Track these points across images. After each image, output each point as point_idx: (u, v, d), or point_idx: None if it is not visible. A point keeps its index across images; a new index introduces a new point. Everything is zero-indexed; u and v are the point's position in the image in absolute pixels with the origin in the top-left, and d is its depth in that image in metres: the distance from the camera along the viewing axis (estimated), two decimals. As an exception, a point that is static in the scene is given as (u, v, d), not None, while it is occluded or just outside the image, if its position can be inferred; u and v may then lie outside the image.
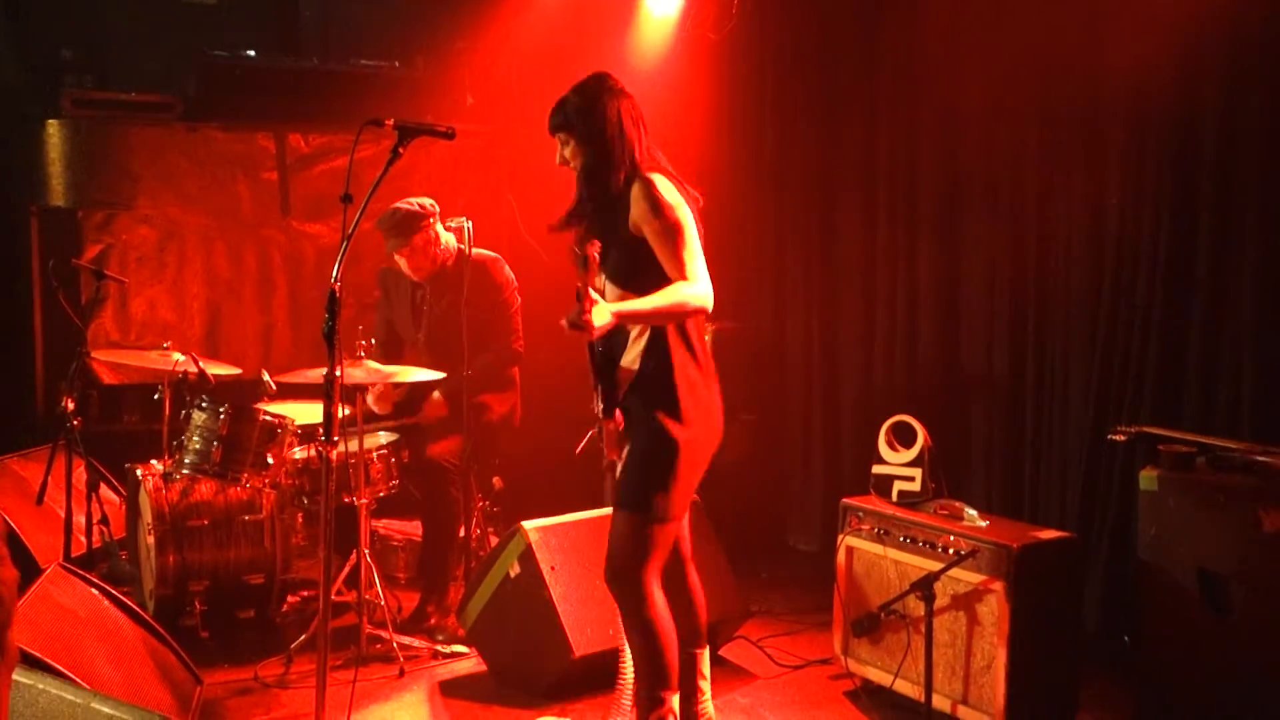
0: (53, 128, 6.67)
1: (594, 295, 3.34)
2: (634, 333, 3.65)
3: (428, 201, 5.36)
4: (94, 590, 4.01)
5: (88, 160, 6.74)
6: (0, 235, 6.62)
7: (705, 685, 3.91)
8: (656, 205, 3.52)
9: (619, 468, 3.74)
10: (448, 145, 7.27)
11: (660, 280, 3.51)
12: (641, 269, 3.56)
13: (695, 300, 3.49)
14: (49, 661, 3.21)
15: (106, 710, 2.78)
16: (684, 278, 3.50)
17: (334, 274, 3.49)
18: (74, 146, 6.72)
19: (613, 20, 6.81)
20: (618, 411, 3.64)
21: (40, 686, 2.90)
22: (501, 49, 7.27)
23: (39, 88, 6.79)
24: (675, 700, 3.71)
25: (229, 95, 6.94)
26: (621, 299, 3.56)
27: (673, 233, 3.52)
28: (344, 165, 7.08)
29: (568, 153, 3.71)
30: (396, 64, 7.32)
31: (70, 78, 6.85)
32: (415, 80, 7.34)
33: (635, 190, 3.56)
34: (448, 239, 5.40)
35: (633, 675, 3.82)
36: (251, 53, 7.09)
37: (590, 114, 3.63)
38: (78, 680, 3.21)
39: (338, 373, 3.47)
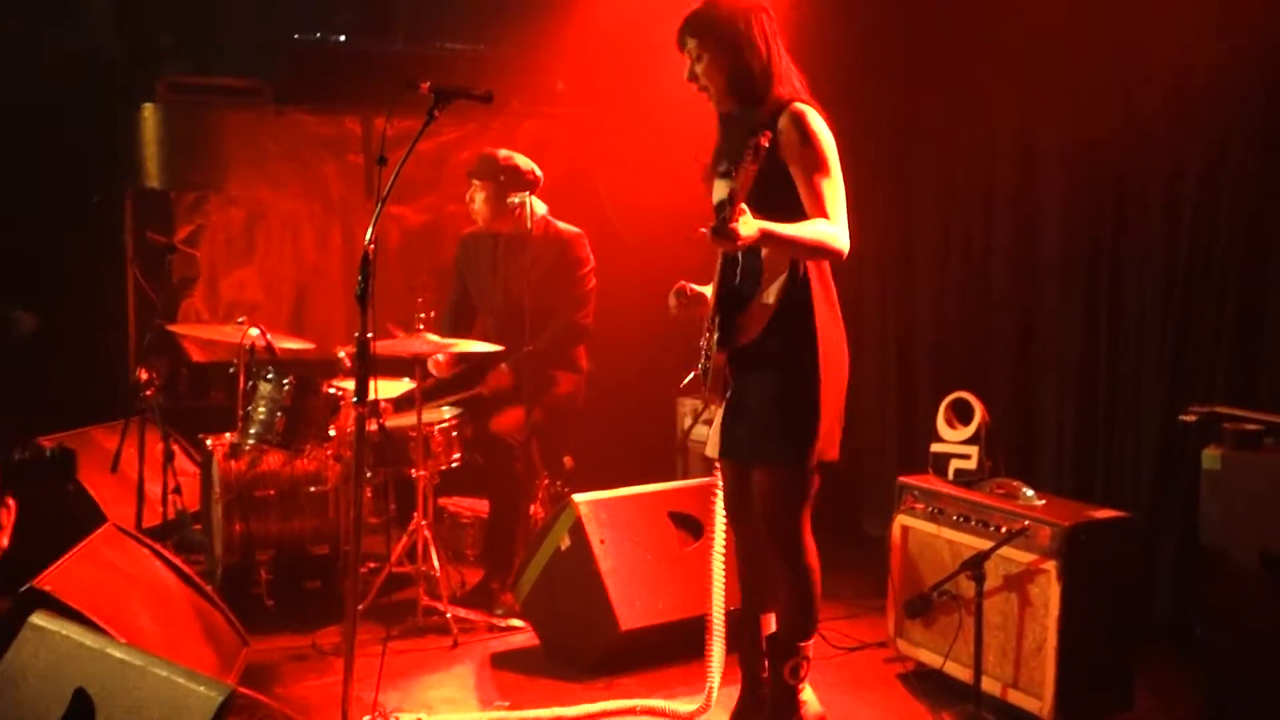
0: (148, 111, 6.86)
1: (743, 205, 3.18)
2: (768, 268, 3.51)
3: (537, 170, 5.38)
4: (145, 550, 4.11)
5: (181, 143, 6.91)
6: (98, 216, 6.82)
7: None
8: (807, 137, 3.39)
9: (722, 414, 3.62)
10: (535, 127, 7.41)
11: (795, 216, 3.38)
12: (777, 200, 3.38)
13: (837, 241, 3.38)
14: (79, 609, 3.29)
15: (119, 655, 2.84)
16: (825, 216, 3.38)
17: (368, 236, 3.53)
18: (168, 130, 6.90)
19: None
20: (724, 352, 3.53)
21: (62, 632, 2.97)
22: (591, 34, 7.27)
23: (139, 72, 6.98)
24: (811, 647, 3.71)
25: (317, 79, 7.06)
26: None
27: (822, 169, 3.40)
28: (429, 148, 7.17)
29: (699, 68, 3.52)
30: (482, 47, 7.36)
31: (169, 63, 7.04)
32: (502, 62, 7.36)
33: (785, 119, 3.42)
34: (538, 207, 5.37)
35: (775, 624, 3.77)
36: (341, 37, 7.20)
37: (730, 22, 3.46)
38: (104, 627, 3.28)
39: (370, 335, 3.51)
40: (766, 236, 3.26)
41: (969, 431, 4.39)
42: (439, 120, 3.76)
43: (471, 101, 3.83)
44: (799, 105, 3.45)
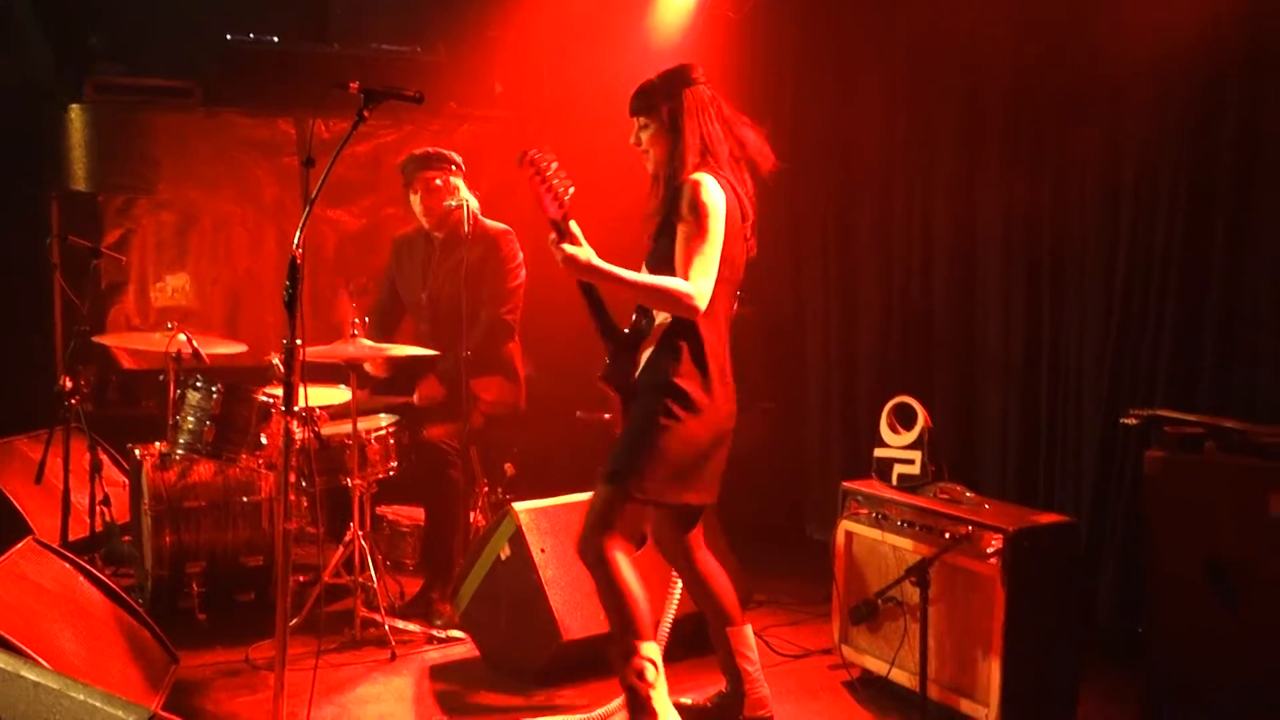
0: (75, 113, 6.69)
1: (576, 232, 3.57)
2: (658, 319, 3.74)
3: (456, 156, 5.34)
4: (68, 565, 3.97)
5: (109, 145, 6.76)
6: (23, 219, 6.64)
7: (749, 665, 3.92)
8: (694, 205, 3.60)
9: None
10: (473, 130, 7.30)
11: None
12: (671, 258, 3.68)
13: (681, 295, 3.58)
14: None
15: (32, 678, 2.71)
16: (684, 278, 3.58)
17: (296, 240, 3.42)
18: (95, 132, 6.74)
19: (635, 2, 6.71)
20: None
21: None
22: (529, 36, 7.18)
23: (67, 75, 6.81)
24: (648, 648, 3.66)
25: (249, 80, 6.90)
26: None
27: (694, 236, 3.59)
28: (366, 150, 7.06)
29: (645, 136, 3.79)
30: (419, 49, 7.25)
31: (100, 65, 6.87)
32: (438, 65, 7.25)
33: (684, 187, 3.64)
34: (468, 196, 5.27)
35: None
36: (275, 38, 7.05)
37: (673, 101, 3.73)
38: (20, 647, 3.15)
39: (298, 341, 3.41)
40: (595, 270, 3.56)
41: (912, 436, 4.35)
42: (375, 123, 3.70)
43: (406, 103, 3.76)
44: (694, 176, 3.66)
